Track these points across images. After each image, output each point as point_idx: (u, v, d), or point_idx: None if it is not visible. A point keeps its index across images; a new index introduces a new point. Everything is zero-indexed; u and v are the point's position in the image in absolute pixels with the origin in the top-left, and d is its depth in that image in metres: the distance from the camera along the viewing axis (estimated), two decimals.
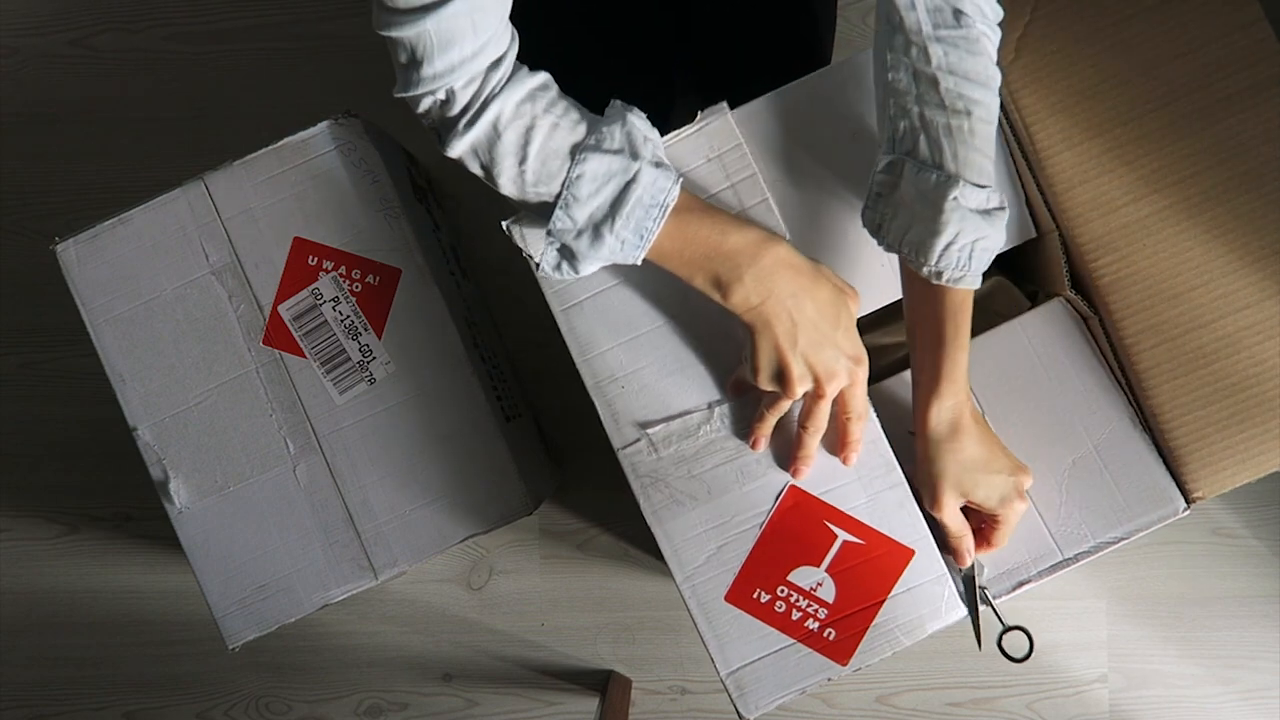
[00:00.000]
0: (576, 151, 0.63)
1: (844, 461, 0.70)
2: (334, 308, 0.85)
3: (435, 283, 0.85)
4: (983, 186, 0.63)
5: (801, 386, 0.66)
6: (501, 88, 0.62)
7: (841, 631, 0.71)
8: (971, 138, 0.63)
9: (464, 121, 0.62)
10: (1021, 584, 0.73)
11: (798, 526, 0.71)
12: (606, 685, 1.18)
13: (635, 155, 0.63)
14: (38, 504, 1.25)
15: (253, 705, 1.24)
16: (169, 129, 1.24)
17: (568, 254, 0.66)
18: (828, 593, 0.71)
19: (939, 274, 0.64)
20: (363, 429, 0.85)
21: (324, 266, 0.86)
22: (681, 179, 0.65)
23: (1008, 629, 0.73)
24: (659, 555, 0.72)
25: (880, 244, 0.68)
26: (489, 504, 0.85)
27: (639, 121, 0.65)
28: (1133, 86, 0.72)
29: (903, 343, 0.79)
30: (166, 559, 1.24)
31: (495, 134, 0.62)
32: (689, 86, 0.92)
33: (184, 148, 1.23)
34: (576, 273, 0.67)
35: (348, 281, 0.86)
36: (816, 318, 0.65)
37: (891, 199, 0.66)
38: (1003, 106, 0.73)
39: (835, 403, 0.68)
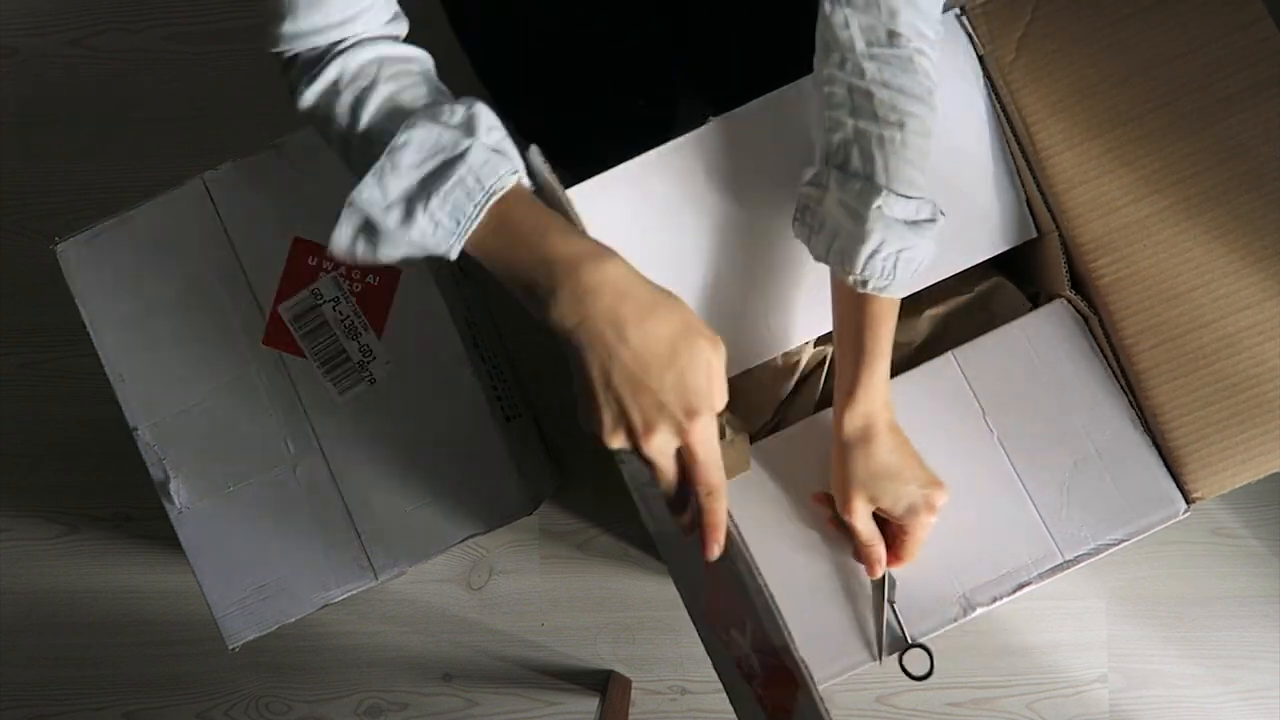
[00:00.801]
0: (409, 118, 0.56)
1: (703, 553, 0.57)
2: (334, 308, 0.85)
3: (435, 283, 0.85)
4: (910, 198, 0.63)
5: (613, 437, 0.54)
6: (350, 47, 0.59)
7: (770, 708, 0.64)
8: (903, 149, 0.63)
9: (309, 76, 0.59)
10: (1022, 585, 0.73)
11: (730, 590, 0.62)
12: (606, 685, 1.18)
13: (470, 133, 0.56)
14: (38, 504, 1.25)
15: (253, 705, 1.24)
16: (169, 129, 1.24)
17: (369, 231, 0.57)
18: (755, 666, 0.63)
19: (864, 283, 0.64)
20: (363, 429, 0.85)
21: (324, 266, 0.86)
22: (520, 174, 0.57)
23: (910, 646, 0.73)
24: (659, 556, 0.72)
25: (812, 254, 0.68)
26: (489, 504, 0.85)
27: (487, 110, 0.58)
28: (1133, 86, 0.72)
29: (903, 343, 0.79)
30: (166, 559, 1.24)
31: (335, 92, 0.59)
32: (689, 90, 0.92)
33: (184, 148, 1.23)
34: (375, 256, 0.58)
35: (348, 281, 0.86)
36: (642, 353, 0.53)
37: (818, 211, 0.66)
38: (1003, 106, 0.73)
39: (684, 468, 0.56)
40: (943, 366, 0.74)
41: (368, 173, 0.56)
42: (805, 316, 0.75)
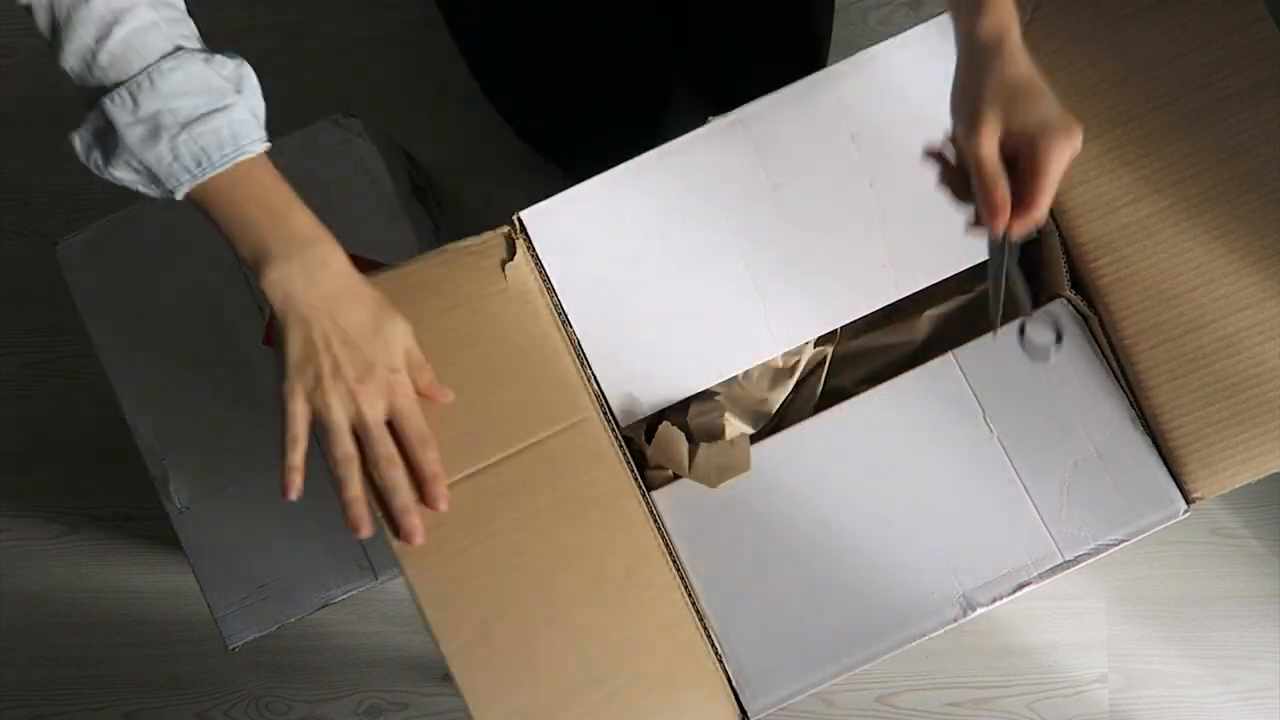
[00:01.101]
0: (181, 51, 0.58)
1: (431, 507, 0.63)
2: None
3: None
4: None
5: (330, 388, 0.61)
6: None
7: None
8: None
9: None
10: (1022, 586, 0.73)
11: None
12: None
13: (239, 92, 0.60)
14: (38, 504, 1.25)
15: (253, 705, 1.24)
16: None
17: (106, 140, 0.58)
18: None
19: None
20: None
21: None
22: (268, 147, 0.61)
23: (1031, 315, 0.64)
24: None
25: None
26: None
27: (251, 75, 0.62)
28: (1133, 86, 0.72)
29: (904, 343, 0.79)
30: (166, 559, 1.24)
31: None
32: (687, 90, 0.92)
33: None
34: (104, 168, 0.59)
35: None
36: (355, 325, 0.61)
37: None
38: None
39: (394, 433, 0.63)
40: (943, 366, 0.74)
41: (122, 85, 0.57)
42: (805, 316, 0.75)
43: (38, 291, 1.23)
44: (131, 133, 0.57)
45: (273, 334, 0.62)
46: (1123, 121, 0.72)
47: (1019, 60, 0.59)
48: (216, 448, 0.87)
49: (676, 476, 0.74)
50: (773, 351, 0.75)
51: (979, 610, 0.73)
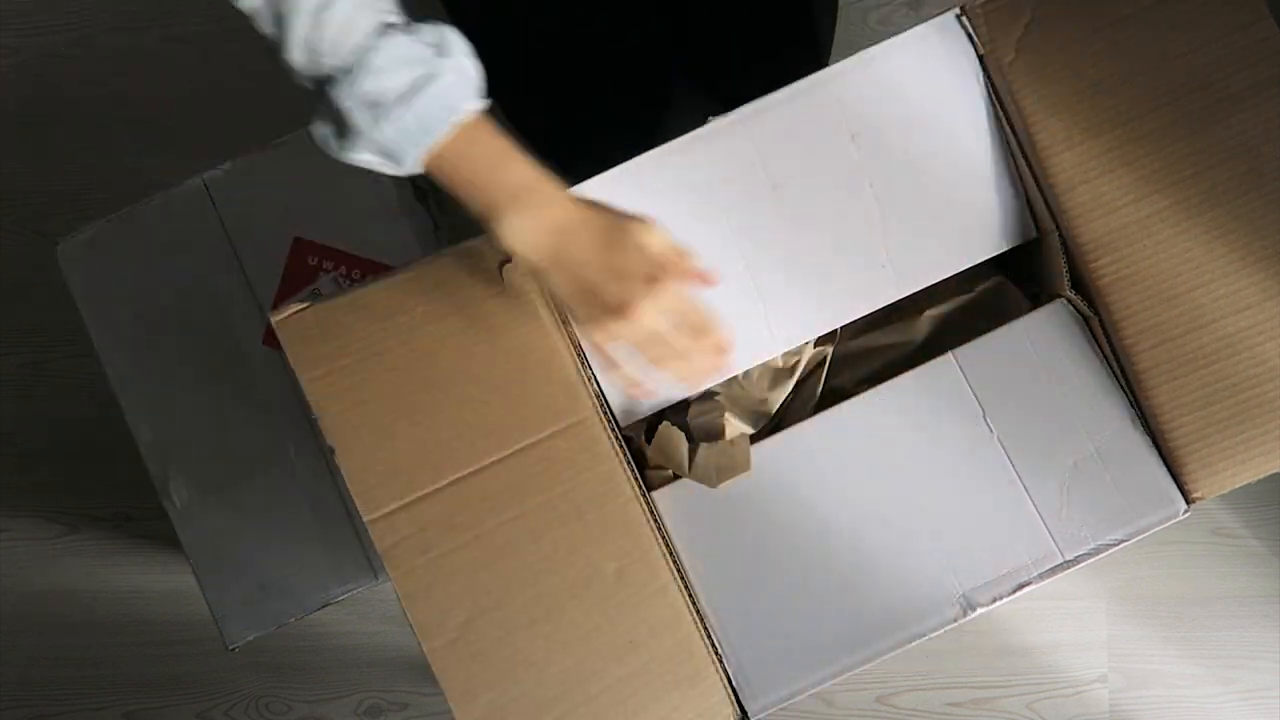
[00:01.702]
0: (385, 27, 0.59)
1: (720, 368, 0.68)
2: None
3: None
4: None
5: (608, 320, 0.63)
6: None
7: None
8: None
9: None
10: (1022, 586, 0.73)
11: None
12: None
13: (444, 56, 0.60)
14: (38, 504, 1.25)
15: (253, 705, 1.24)
16: (169, 129, 1.24)
17: (341, 125, 0.61)
18: None
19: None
20: None
21: (324, 266, 0.86)
22: (483, 102, 0.62)
23: None
24: None
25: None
26: None
27: (456, 36, 0.62)
28: (1133, 86, 0.72)
29: (903, 343, 0.79)
30: (166, 559, 1.24)
31: None
32: (687, 90, 0.92)
33: (184, 148, 1.23)
34: (344, 153, 0.62)
35: (348, 281, 0.86)
36: (599, 252, 0.63)
37: None
38: (1003, 106, 0.73)
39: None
40: (943, 366, 0.74)
41: (343, 72, 0.59)
42: (805, 316, 0.75)
43: (38, 291, 1.23)
44: (358, 116, 0.59)
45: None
46: (1123, 121, 0.72)
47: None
48: (216, 448, 0.87)
49: (676, 476, 0.74)
50: (773, 351, 0.75)
51: (979, 610, 0.73)
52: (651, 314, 0.63)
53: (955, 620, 0.73)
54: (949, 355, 0.74)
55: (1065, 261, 0.73)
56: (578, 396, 0.70)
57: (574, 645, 0.67)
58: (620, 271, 0.63)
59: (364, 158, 0.62)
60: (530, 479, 0.67)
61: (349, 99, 0.59)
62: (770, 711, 0.72)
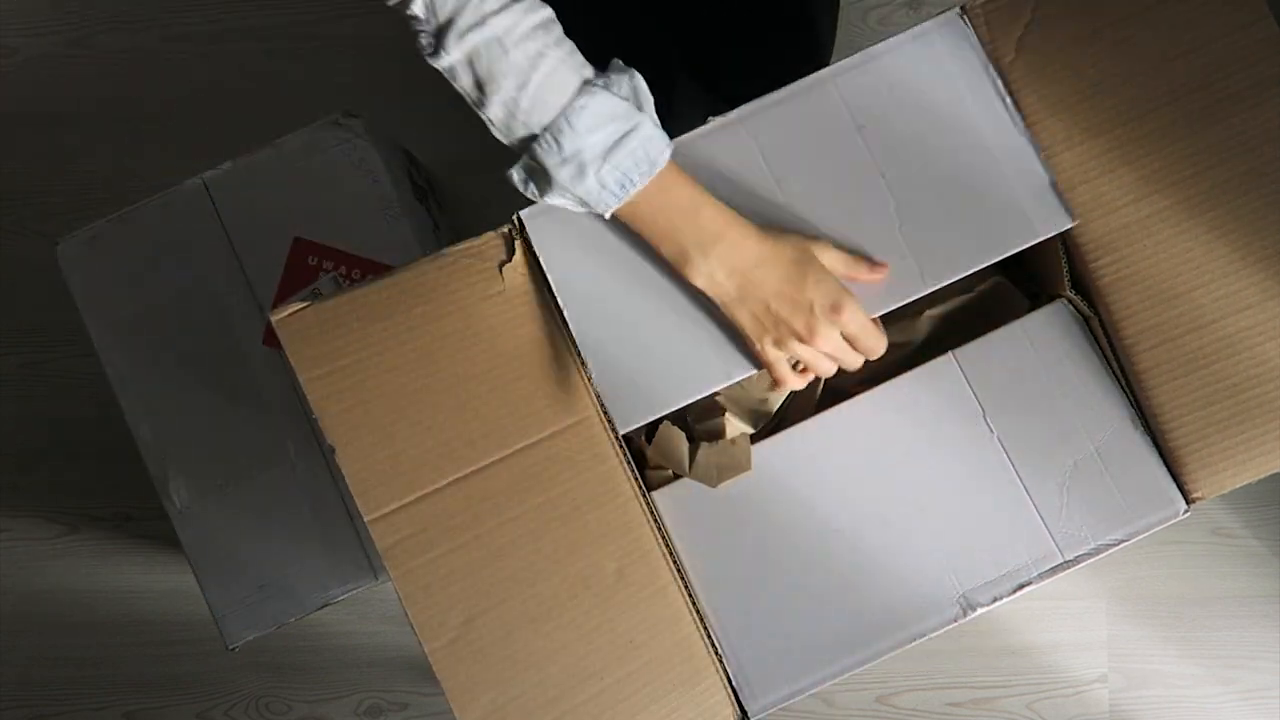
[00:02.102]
0: (585, 85, 0.62)
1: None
2: None
3: None
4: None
5: (792, 347, 0.68)
6: (508, 4, 0.61)
7: None
8: None
9: (465, 27, 0.61)
10: (1022, 586, 0.73)
11: None
12: None
13: (640, 108, 0.64)
14: (38, 504, 1.25)
15: (253, 705, 1.24)
16: (169, 129, 1.24)
17: (541, 176, 0.65)
18: None
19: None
20: None
21: (324, 266, 0.86)
22: (672, 149, 0.66)
23: None
24: None
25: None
26: None
27: (642, 82, 0.66)
28: (1133, 86, 0.72)
29: (903, 343, 0.79)
30: (166, 559, 1.24)
31: (501, 50, 0.61)
32: (688, 90, 0.92)
33: (184, 148, 1.23)
34: (541, 198, 0.66)
35: (348, 281, 0.86)
36: (781, 283, 0.67)
37: None
38: (1002, 106, 0.73)
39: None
40: (943, 366, 0.74)
41: (545, 132, 0.62)
42: None
43: (38, 291, 1.23)
44: (561, 172, 0.63)
45: (278, 342, 0.65)
46: (1123, 121, 0.72)
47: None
48: (216, 448, 0.87)
49: (676, 476, 0.74)
50: None
51: (979, 610, 0.73)
52: (835, 341, 0.68)
53: (955, 620, 0.73)
54: (949, 355, 0.74)
55: (1065, 261, 0.73)
56: (578, 396, 0.70)
57: (574, 645, 0.67)
58: (806, 304, 0.67)
59: (560, 202, 0.66)
60: (531, 479, 0.67)
61: (552, 157, 0.62)
62: (770, 711, 0.72)
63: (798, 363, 0.71)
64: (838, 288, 0.68)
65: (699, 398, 0.72)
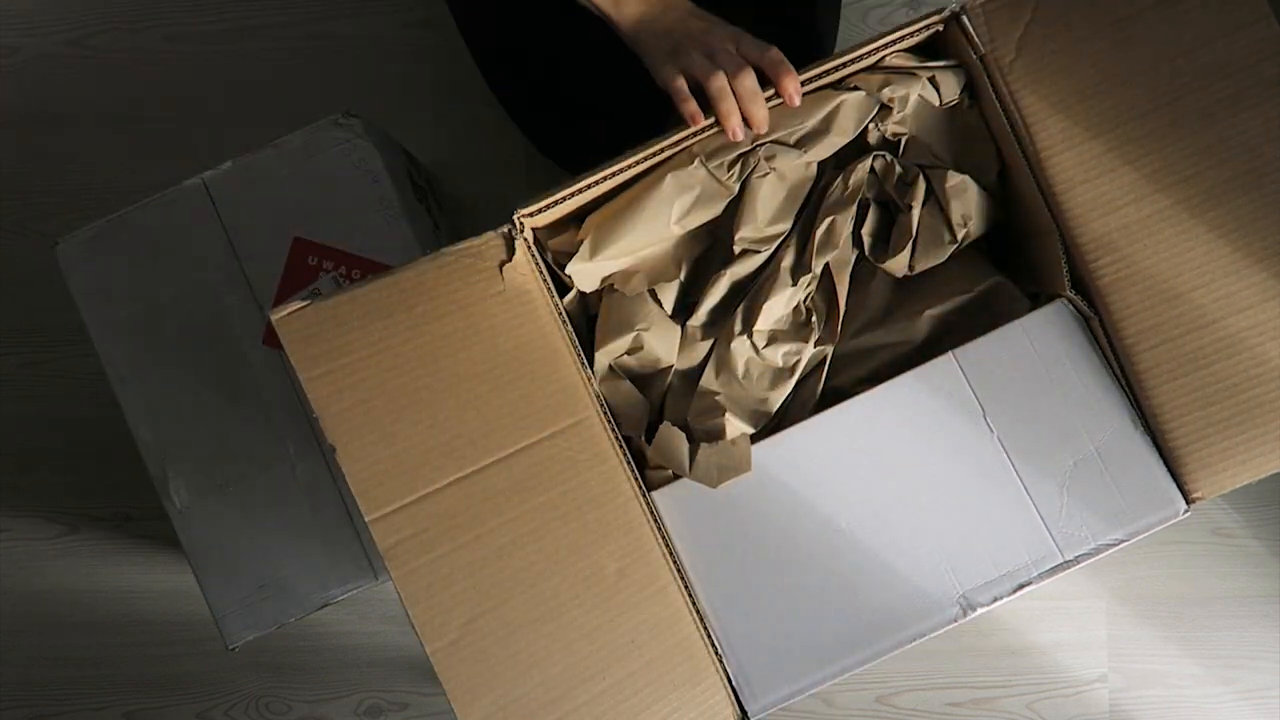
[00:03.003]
0: None
1: (782, 93, 0.72)
2: None
3: None
4: None
5: (692, 54, 0.72)
6: None
7: None
8: None
9: None
10: (1022, 586, 0.73)
11: None
12: None
13: None
14: (38, 504, 1.25)
15: (253, 705, 1.24)
16: (169, 129, 1.24)
17: None
18: None
19: None
20: None
21: (324, 266, 0.86)
22: None
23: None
24: None
25: None
26: None
27: None
28: (1133, 86, 0.72)
29: (903, 342, 0.79)
30: (166, 559, 1.24)
31: None
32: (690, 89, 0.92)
33: (184, 148, 1.23)
34: None
35: (347, 281, 0.86)
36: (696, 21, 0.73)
37: None
38: (1002, 106, 0.73)
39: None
40: (943, 366, 0.74)
41: None
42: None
43: (38, 291, 1.23)
44: None
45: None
46: (1123, 121, 0.72)
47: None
48: (216, 448, 0.87)
49: (676, 476, 0.74)
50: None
51: (979, 610, 0.73)
52: (729, 45, 0.71)
53: (955, 620, 0.73)
54: (949, 355, 0.74)
55: (1065, 261, 0.73)
56: (578, 396, 0.70)
57: (575, 645, 0.67)
58: (710, 40, 0.71)
59: None
60: (531, 479, 0.67)
61: None
62: (770, 711, 0.72)
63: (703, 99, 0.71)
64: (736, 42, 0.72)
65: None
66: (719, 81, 0.70)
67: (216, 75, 1.24)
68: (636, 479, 0.71)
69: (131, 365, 0.87)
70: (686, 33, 0.72)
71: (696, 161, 0.73)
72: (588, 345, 0.77)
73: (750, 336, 0.76)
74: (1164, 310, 0.71)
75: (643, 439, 0.76)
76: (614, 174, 0.72)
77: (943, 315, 0.79)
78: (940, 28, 0.72)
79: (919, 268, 0.77)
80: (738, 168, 0.74)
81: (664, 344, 0.77)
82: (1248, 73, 0.71)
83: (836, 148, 0.76)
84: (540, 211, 0.71)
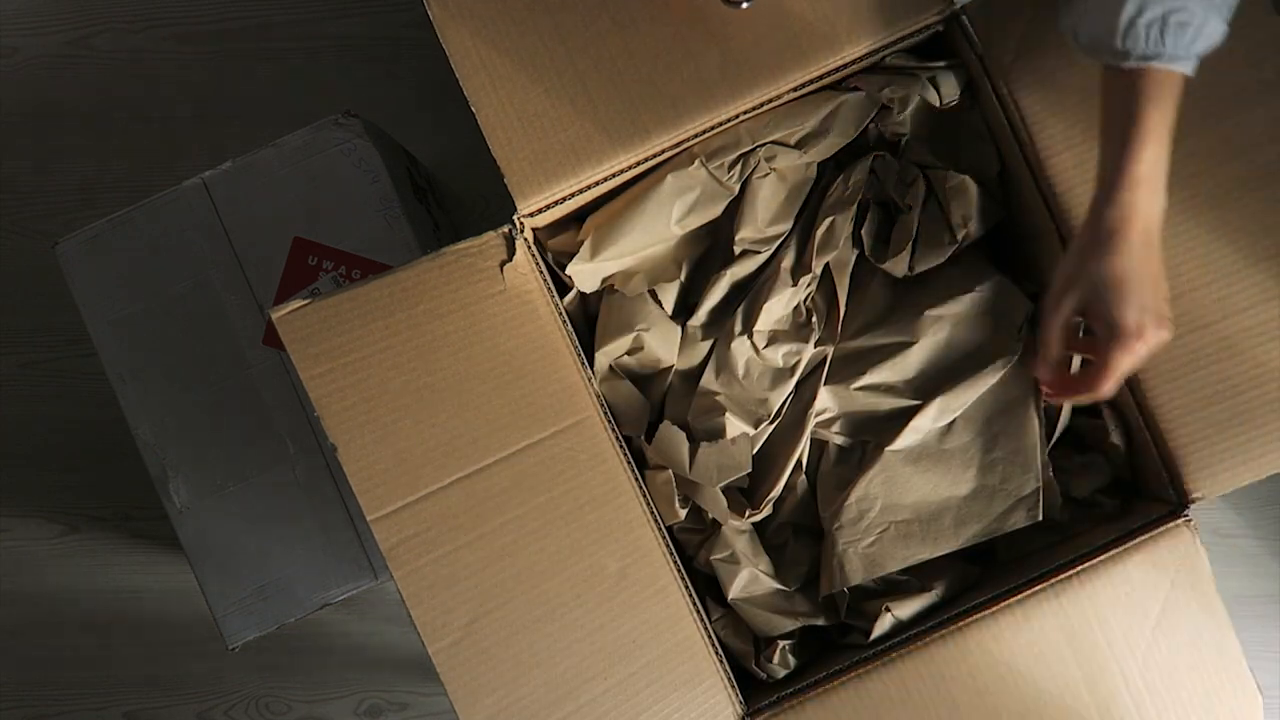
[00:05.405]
0: None
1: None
2: None
3: None
4: None
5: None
6: None
7: None
8: None
9: None
10: None
11: None
12: None
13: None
14: (38, 504, 1.25)
15: (253, 705, 1.24)
16: (169, 129, 1.24)
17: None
18: None
19: (1125, 54, 0.59)
20: None
21: (324, 266, 0.86)
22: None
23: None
24: None
25: (1076, 50, 0.64)
26: None
27: None
28: None
29: (904, 341, 0.79)
30: (166, 559, 1.24)
31: None
32: None
33: (184, 148, 1.23)
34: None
35: (347, 281, 0.86)
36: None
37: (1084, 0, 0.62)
38: (1002, 106, 0.73)
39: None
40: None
41: None
42: None
43: (38, 291, 1.23)
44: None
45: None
46: None
47: (1123, 256, 0.61)
48: (216, 447, 0.87)
49: (677, 476, 0.74)
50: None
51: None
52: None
53: None
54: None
55: None
56: (578, 396, 0.70)
57: (578, 645, 0.67)
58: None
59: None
60: (532, 478, 0.67)
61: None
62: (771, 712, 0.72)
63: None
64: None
65: None
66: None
67: (216, 75, 1.23)
68: (637, 479, 0.71)
69: (131, 365, 0.87)
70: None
71: (697, 162, 0.73)
72: (588, 345, 0.77)
73: (750, 336, 0.76)
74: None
75: (643, 439, 0.76)
76: (614, 174, 0.72)
77: (943, 315, 0.79)
78: (940, 28, 0.72)
79: (919, 268, 0.77)
80: (738, 168, 0.74)
81: (664, 344, 0.77)
82: (1249, 73, 0.71)
83: (836, 148, 0.76)
84: (540, 211, 0.71)
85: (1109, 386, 0.63)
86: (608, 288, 0.77)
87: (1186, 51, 0.59)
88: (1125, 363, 0.62)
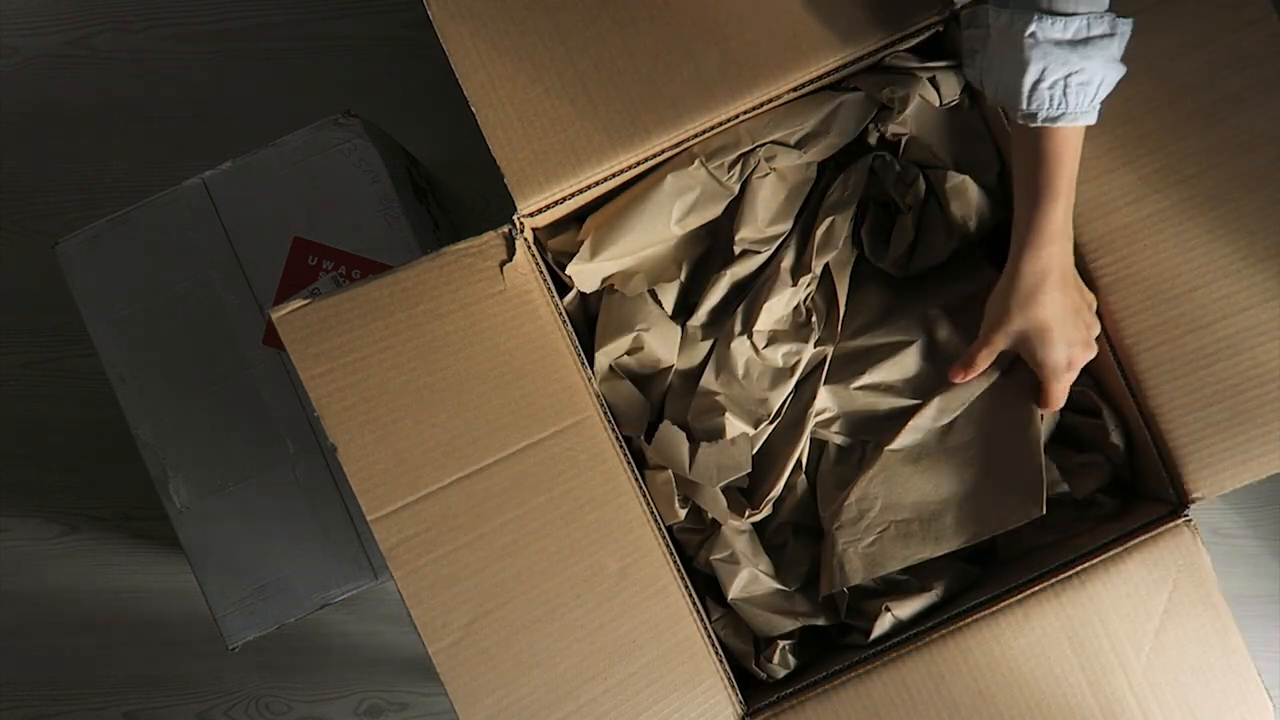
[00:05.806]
0: None
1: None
2: None
3: None
4: (1071, 15, 0.60)
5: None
6: None
7: None
8: None
9: None
10: None
11: None
12: None
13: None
14: (38, 504, 1.25)
15: (253, 705, 1.24)
16: (169, 129, 1.24)
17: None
18: None
19: (1033, 116, 0.62)
20: None
21: (324, 266, 0.86)
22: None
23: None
24: None
25: (986, 98, 0.68)
26: None
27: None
28: (1133, 86, 0.72)
29: (904, 340, 0.79)
30: (166, 559, 1.24)
31: None
32: None
33: (184, 148, 1.23)
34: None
35: (348, 281, 0.86)
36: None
37: (985, 52, 0.65)
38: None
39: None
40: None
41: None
42: None
43: (38, 291, 1.23)
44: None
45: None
46: (1123, 121, 0.72)
47: (1046, 308, 0.67)
48: (216, 447, 0.87)
49: (677, 476, 0.74)
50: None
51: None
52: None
53: None
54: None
55: None
56: (578, 396, 0.70)
57: (578, 646, 0.67)
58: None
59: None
60: (532, 478, 0.67)
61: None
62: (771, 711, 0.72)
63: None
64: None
65: None
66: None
67: (216, 75, 1.24)
68: (637, 479, 0.71)
69: (131, 365, 0.87)
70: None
71: (697, 162, 0.73)
72: (588, 345, 0.77)
73: (750, 336, 0.76)
74: (1164, 310, 0.71)
75: (643, 439, 0.76)
76: (614, 174, 0.72)
77: (943, 315, 0.79)
78: (940, 28, 0.72)
79: (919, 268, 0.77)
80: (738, 168, 0.74)
81: (664, 344, 0.77)
82: (1249, 72, 0.71)
83: (836, 148, 0.76)
84: (540, 211, 0.71)
85: (1054, 406, 0.71)
86: (608, 288, 0.77)
87: (1089, 106, 0.63)
88: (1059, 389, 0.70)
